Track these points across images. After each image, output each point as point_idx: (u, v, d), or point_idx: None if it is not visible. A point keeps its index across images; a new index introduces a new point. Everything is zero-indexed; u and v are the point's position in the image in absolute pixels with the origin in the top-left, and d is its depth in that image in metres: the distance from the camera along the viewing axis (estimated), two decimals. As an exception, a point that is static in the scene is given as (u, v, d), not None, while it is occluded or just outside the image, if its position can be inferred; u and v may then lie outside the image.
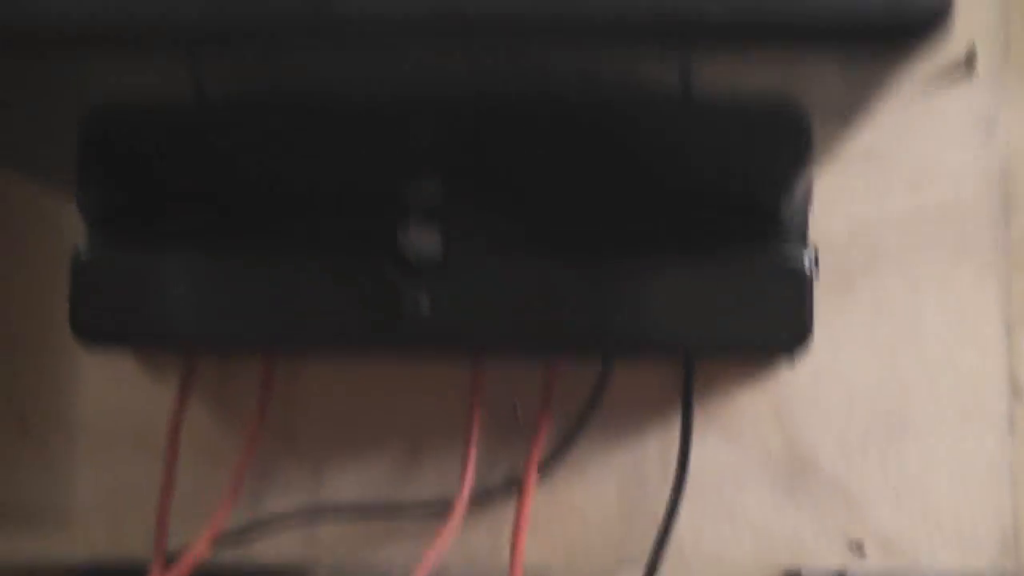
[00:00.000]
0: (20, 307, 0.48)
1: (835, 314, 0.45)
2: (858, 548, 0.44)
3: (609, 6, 0.24)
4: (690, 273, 0.39)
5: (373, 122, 0.34)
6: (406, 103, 0.33)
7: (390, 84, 0.32)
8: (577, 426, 0.44)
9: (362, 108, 0.34)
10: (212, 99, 0.33)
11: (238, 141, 0.36)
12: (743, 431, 0.45)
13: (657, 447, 0.45)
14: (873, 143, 0.45)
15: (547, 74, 0.30)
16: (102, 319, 0.41)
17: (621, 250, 0.40)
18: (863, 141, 0.45)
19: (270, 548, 0.46)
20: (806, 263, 0.39)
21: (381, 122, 0.34)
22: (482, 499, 0.45)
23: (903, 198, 0.45)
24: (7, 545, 0.47)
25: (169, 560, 0.44)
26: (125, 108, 0.33)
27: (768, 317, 0.39)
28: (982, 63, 0.45)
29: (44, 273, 0.48)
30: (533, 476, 0.42)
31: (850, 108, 0.30)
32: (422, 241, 0.39)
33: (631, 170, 0.38)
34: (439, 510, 0.45)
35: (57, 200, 0.48)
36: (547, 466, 0.44)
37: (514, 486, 0.45)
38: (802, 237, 0.40)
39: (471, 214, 0.39)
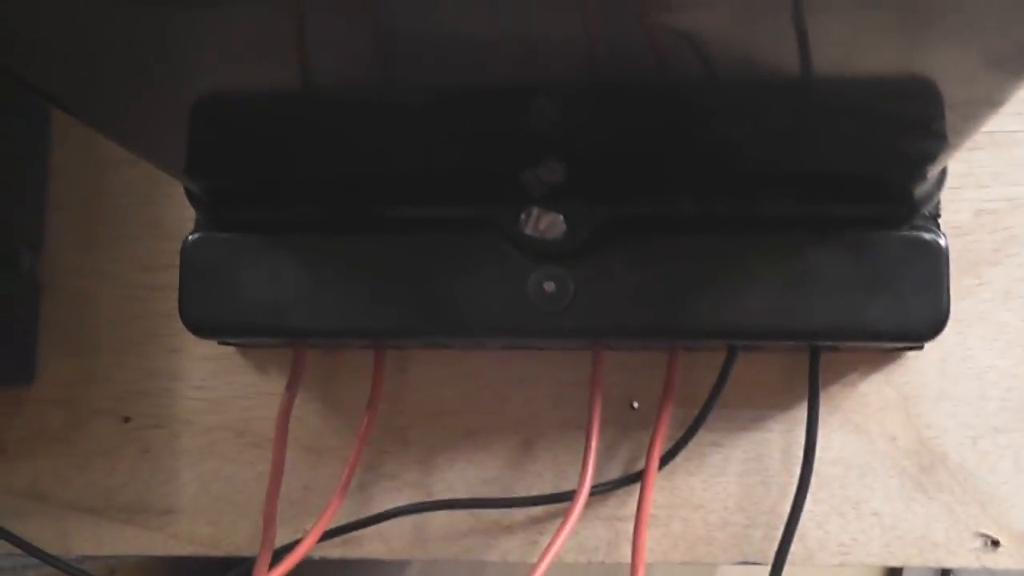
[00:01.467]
0: (121, 301, 0.48)
1: (963, 300, 0.43)
2: (992, 544, 0.42)
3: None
4: (820, 256, 0.38)
5: (493, 103, 0.33)
6: (528, 82, 0.32)
7: (511, 62, 0.31)
8: (699, 417, 0.43)
9: (481, 88, 0.33)
10: (325, 81, 0.32)
11: (352, 125, 0.35)
12: (869, 421, 0.43)
13: (781, 438, 0.44)
14: (999, 124, 0.44)
15: (668, 50, 0.29)
16: (211, 308, 0.40)
17: (749, 233, 0.38)
18: (988, 126, 0.44)
19: (379, 544, 0.45)
20: (942, 242, 0.38)
21: (502, 103, 0.33)
22: (600, 493, 0.44)
23: (1030, 181, 0.44)
24: (112, 541, 0.47)
25: (276, 557, 0.43)
26: (237, 91, 0.33)
27: (903, 301, 0.38)
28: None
29: (149, 265, 0.47)
30: (654, 469, 0.41)
31: (988, 99, 0.29)
32: (546, 226, 0.38)
33: (760, 150, 0.36)
34: (554, 504, 0.44)
35: (165, 190, 0.47)
36: (668, 458, 0.43)
37: (633, 479, 0.44)
38: (935, 219, 0.39)
39: (595, 198, 0.38)
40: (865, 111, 0.32)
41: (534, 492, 0.44)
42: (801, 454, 0.42)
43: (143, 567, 0.71)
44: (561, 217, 0.38)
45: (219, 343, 0.46)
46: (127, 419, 0.47)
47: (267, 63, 0.31)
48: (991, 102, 0.29)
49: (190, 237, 0.41)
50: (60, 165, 0.48)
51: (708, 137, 0.35)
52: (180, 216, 0.46)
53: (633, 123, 0.35)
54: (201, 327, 0.41)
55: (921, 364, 0.43)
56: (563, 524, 0.40)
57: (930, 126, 0.32)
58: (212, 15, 0.27)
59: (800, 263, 0.38)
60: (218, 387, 0.47)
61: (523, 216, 0.38)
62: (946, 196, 0.43)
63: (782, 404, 0.44)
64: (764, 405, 0.44)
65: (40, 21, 0.26)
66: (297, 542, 0.42)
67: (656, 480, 0.43)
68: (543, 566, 0.39)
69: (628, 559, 0.41)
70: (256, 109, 0.34)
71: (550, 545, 0.39)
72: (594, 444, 0.41)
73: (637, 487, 0.41)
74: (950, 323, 0.43)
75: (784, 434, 0.44)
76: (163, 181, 0.47)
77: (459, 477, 0.45)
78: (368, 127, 0.35)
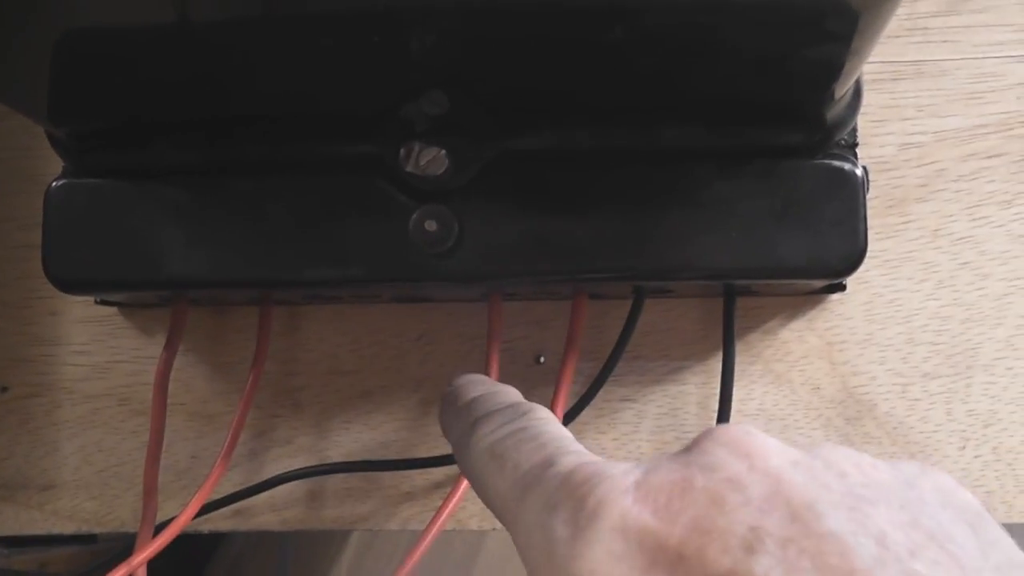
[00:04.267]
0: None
1: (888, 239, 0.40)
2: (923, 497, 0.39)
3: None
4: (727, 188, 0.35)
5: (368, 31, 0.30)
6: (403, 8, 0.29)
7: None
8: (605, 368, 0.40)
9: (356, 16, 0.30)
10: (193, 10, 0.29)
11: (221, 57, 0.32)
12: (791, 370, 0.40)
13: (697, 391, 0.41)
14: (924, 56, 0.41)
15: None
16: (79, 261, 0.37)
17: (651, 165, 0.35)
18: (912, 54, 0.41)
19: (271, 515, 0.42)
20: (858, 171, 0.35)
21: (377, 31, 0.31)
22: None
23: (960, 114, 0.41)
24: (-13, 519, 0.44)
25: (159, 529, 0.40)
26: (102, 27, 0.30)
27: (818, 234, 0.35)
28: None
29: (27, 223, 0.44)
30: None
31: None
32: (428, 162, 0.35)
33: (659, 75, 0.33)
34: (454, 466, 0.41)
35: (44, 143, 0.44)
36: (574, 414, 0.40)
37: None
38: (851, 148, 0.36)
39: (482, 130, 0.35)
40: (763, 16, 0.29)
41: (435, 454, 0.41)
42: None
43: (73, 559, 0.68)
44: (443, 152, 0.35)
45: (97, 302, 0.43)
46: (4, 388, 0.44)
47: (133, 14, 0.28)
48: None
49: (53, 184, 0.38)
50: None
51: (601, 61, 0.32)
52: (60, 170, 0.43)
53: (521, 48, 0.32)
54: (69, 282, 0.38)
55: (846, 308, 0.41)
56: (454, 488, 0.37)
57: (829, 25, 0.29)
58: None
59: (707, 196, 0.35)
60: (100, 352, 0.43)
61: (403, 152, 0.35)
62: (869, 130, 0.41)
63: (698, 354, 0.41)
64: (678, 356, 0.41)
65: None
66: (182, 515, 0.39)
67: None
68: (431, 533, 0.36)
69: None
70: (118, 43, 0.31)
71: (440, 510, 0.36)
72: (492, 399, 0.38)
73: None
74: (876, 264, 0.40)
75: (701, 386, 0.41)
76: (42, 133, 0.44)
77: (355, 440, 0.42)
78: (239, 59, 0.32)
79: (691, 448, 0.23)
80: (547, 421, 0.27)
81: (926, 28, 0.41)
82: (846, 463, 0.22)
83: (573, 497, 0.22)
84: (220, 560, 0.83)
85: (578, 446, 0.26)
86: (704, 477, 0.21)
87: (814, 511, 0.19)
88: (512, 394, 0.31)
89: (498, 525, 0.40)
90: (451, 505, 0.37)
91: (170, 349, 0.40)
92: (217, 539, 0.78)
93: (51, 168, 0.44)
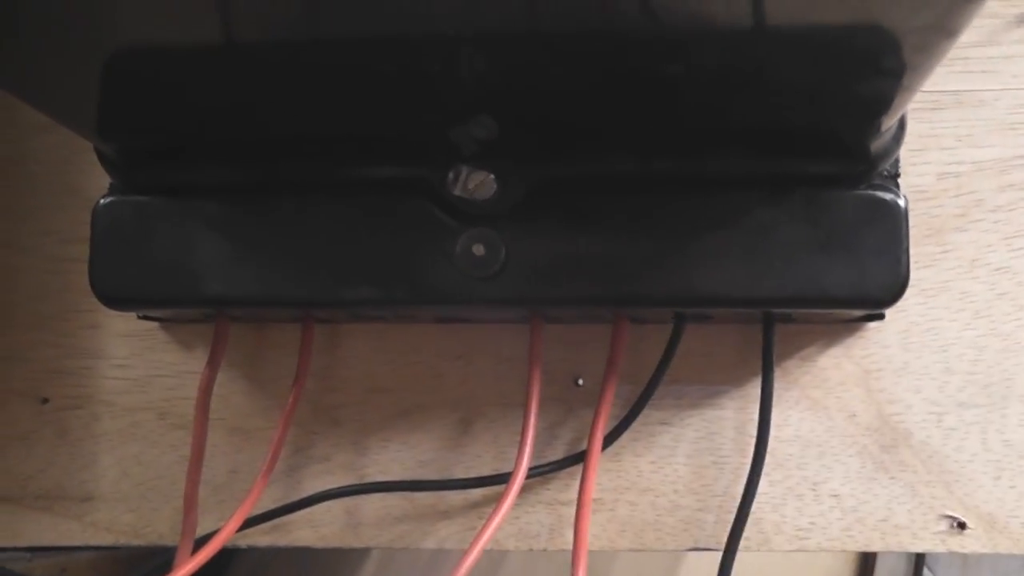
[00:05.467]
0: (40, 275, 0.45)
1: (926, 268, 0.41)
2: (959, 527, 0.40)
3: None
4: (771, 217, 0.35)
5: (417, 57, 0.31)
6: (454, 35, 0.30)
7: (439, 11, 0.28)
8: (645, 393, 0.40)
9: (406, 42, 0.30)
10: (244, 36, 0.30)
11: (271, 80, 0.33)
12: (828, 397, 0.41)
13: (734, 416, 0.41)
14: (964, 86, 0.41)
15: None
16: (125, 278, 0.38)
17: (695, 192, 0.36)
18: (953, 84, 0.41)
19: (309, 531, 0.42)
20: (902, 203, 0.35)
21: (426, 57, 0.31)
22: (541, 474, 0.41)
23: (999, 144, 0.41)
24: (29, 532, 0.44)
25: (199, 547, 0.40)
26: (152, 47, 0.30)
27: (860, 264, 0.35)
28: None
29: (69, 238, 0.44)
30: (597, 449, 0.38)
31: (941, 25, 0.27)
32: (476, 185, 0.35)
33: (704, 106, 0.34)
34: (493, 487, 0.41)
35: (87, 157, 0.45)
36: (613, 438, 0.40)
37: (576, 460, 0.41)
38: (894, 178, 0.37)
39: (529, 155, 0.35)
40: (813, 52, 0.29)
41: (472, 474, 0.41)
42: (755, 432, 0.39)
43: (94, 565, 0.69)
44: (492, 176, 0.35)
45: (139, 317, 0.43)
46: (45, 400, 0.44)
47: (182, 16, 0.29)
48: (943, 30, 0.27)
49: (101, 201, 0.38)
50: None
51: (650, 90, 0.33)
52: (102, 185, 0.43)
53: (570, 75, 0.32)
54: (114, 298, 0.39)
55: (883, 336, 0.41)
56: (496, 508, 0.37)
57: (881, 63, 0.29)
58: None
59: (750, 224, 0.35)
60: (140, 365, 0.44)
61: (451, 176, 0.35)
62: (909, 158, 0.41)
63: (736, 380, 0.41)
64: (717, 381, 0.41)
65: None
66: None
67: (601, 462, 0.41)
68: (474, 554, 0.36)
69: (571, 546, 0.38)
70: (171, 65, 0.32)
71: (482, 531, 0.37)
72: (532, 422, 0.38)
73: (581, 469, 0.39)
74: (913, 293, 0.40)
75: (738, 412, 0.41)
76: (85, 148, 0.44)
77: (393, 459, 0.42)
78: (289, 82, 0.33)
79: None
80: None
81: (967, 58, 0.41)
82: None
83: None
84: (241, 563, 0.83)
85: None
86: None
87: None
88: None
89: (534, 546, 0.41)
90: (492, 526, 0.37)
91: (212, 365, 0.41)
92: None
93: (92, 182, 0.44)
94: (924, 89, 0.41)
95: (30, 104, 0.35)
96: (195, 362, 0.43)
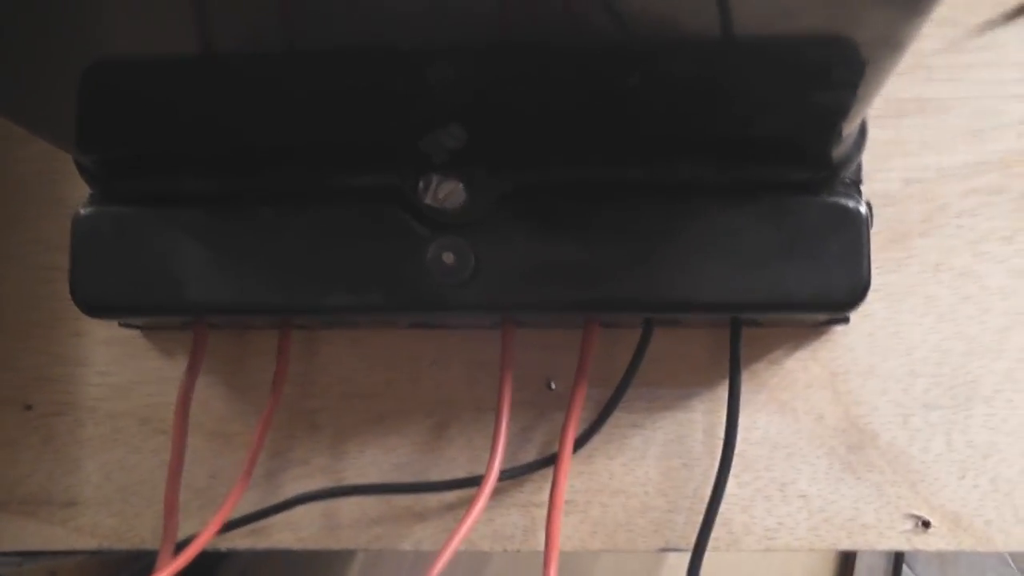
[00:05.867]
0: (25, 283, 0.46)
1: (891, 273, 0.41)
2: (923, 525, 0.40)
3: None
4: (736, 223, 0.36)
5: (388, 67, 0.32)
6: (424, 46, 0.30)
7: (406, 26, 0.29)
8: (615, 396, 0.41)
9: (376, 52, 0.31)
10: (217, 44, 0.30)
11: (244, 90, 0.33)
12: (796, 399, 0.42)
13: (703, 419, 0.42)
14: (928, 93, 0.42)
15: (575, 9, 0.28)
16: (105, 286, 0.39)
17: (661, 200, 0.37)
18: (917, 91, 0.42)
19: (288, 534, 0.43)
20: (863, 209, 0.36)
21: (396, 67, 0.32)
22: (514, 477, 0.42)
23: (962, 150, 0.42)
24: (14, 536, 0.45)
25: (179, 548, 0.41)
26: (129, 57, 0.31)
27: (822, 269, 0.36)
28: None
29: (53, 245, 0.45)
30: (568, 451, 0.39)
31: (899, 29, 0.27)
32: (446, 194, 0.36)
33: (669, 113, 0.34)
34: (467, 489, 0.42)
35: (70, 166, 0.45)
36: (584, 440, 0.41)
37: (548, 462, 0.42)
38: (856, 185, 0.37)
39: (498, 164, 0.36)
40: (771, 62, 0.30)
41: (447, 477, 0.42)
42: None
43: (82, 568, 0.69)
44: (461, 185, 0.36)
45: (120, 325, 0.44)
46: (29, 407, 0.45)
47: (159, 29, 0.29)
48: (892, 43, 0.28)
49: (81, 211, 0.39)
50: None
51: (617, 99, 0.33)
52: (86, 193, 0.44)
53: (538, 85, 0.33)
54: (95, 307, 0.39)
55: (849, 340, 0.42)
56: (469, 509, 0.38)
57: (836, 72, 0.30)
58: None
59: (714, 230, 0.36)
60: (123, 372, 0.45)
61: (422, 184, 0.36)
62: (873, 164, 0.42)
63: (705, 382, 0.42)
64: (686, 384, 0.42)
65: None
66: (201, 532, 0.40)
67: (573, 464, 0.41)
68: (447, 553, 0.37)
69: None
70: (147, 77, 0.32)
71: (455, 532, 0.37)
72: (504, 426, 0.39)
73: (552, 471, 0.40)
74: (879, 297, 0.41)
75: (707, 414, 0.42)
76: (67, 158, 0.45)
77: (371, 463, 0.43)
78: (261, 92, 0.33)
79: None
80: None
81: (930, 66, 0.42)
82: None
83: None
84: (229, 567, 0.84)
85: None
86: None
87: None
88: None
89: (508, 547, 0.42)
90: (465, 527, 0.38)
91: (192, 372, 0.41)
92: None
93: (76, 192, 0.45)
94: (889, 96, 0.42)
95: (5, 116, 0.36)
96: (176, 368, 0.44)
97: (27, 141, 0.46)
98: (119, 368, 0.45)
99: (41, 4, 0.27)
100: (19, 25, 0.28)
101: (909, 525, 0.41)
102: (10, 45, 0.29)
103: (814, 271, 0.36)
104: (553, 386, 0.43)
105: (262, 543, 0.43)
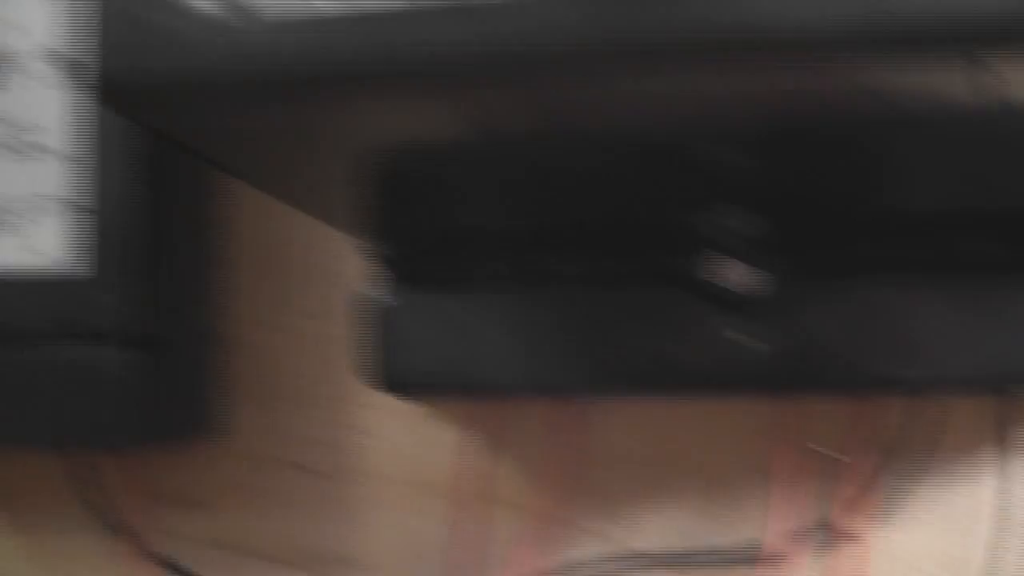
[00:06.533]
0: (302, 353, 0.48)
1: None
2: None
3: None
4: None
5: (672, 153, 0.33)
6: (707, 131, 0.32)
7: (700, 116, 0.30)
8: (888, 465, 0.41)
9: (666, 143, 0.32)
10: (501, 133, 0.32)
11: (532, 180, 0.35)
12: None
13: (979, 488, 0.42)
14: None
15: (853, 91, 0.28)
16: (410, 368, 0.41)
17: (944, 274, 0.38)
18: None
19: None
20: None
21: (681, 152, 0.33)
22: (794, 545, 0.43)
23: None
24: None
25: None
26: (408, 148, 0.32)
27: None
28: None
29: (316, 314, 0.48)
30: (858, 522, 0.40)
31: None
32: (736, 277, 0.37)
33: (947, 188, 0.35)
34: (746, 557, 0.43)
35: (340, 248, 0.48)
36: (861, 509, 0.42)
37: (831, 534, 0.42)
38: None
39: (785, 247, 0.38)
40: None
41: (727, 544, 0.43)
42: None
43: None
44: (749, 267, 0.37)
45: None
46: (309, 470, 0.48)
47: (446, 120, 0.30)
48: None
49: (383, 296, 0.42)
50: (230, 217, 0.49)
51: (891, 175, 0.34)
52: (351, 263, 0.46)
53: (812, 165, 0.34)
54: (401, 388, 0.42)
55: None
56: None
57: None
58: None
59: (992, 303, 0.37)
60: (398, 437, 0.47)
61: (712, 267, 0.38)
62: None
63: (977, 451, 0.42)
64: (980, 453, 0.42)
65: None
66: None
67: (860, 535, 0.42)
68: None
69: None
70: (436, 173, 0.34)
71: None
72: (782, 497, 0.40)
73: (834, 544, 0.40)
74: None
75: (982, 484, 0.42)
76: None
77: (646, 529, 0.44)
78: (548, 182, 0.35)
79: None
80: None
81: None
82: None
83: None
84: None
85: None
86: None
87: None
88: None
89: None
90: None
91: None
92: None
93: (341, 265, 0.47)
94: None
95: (302, 211, 0.38)
96: (449, 432, 0.46)
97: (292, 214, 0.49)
98: (396, 433, 0.47)
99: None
100: (296, 127, 0.29)
101: None
102: (292, 146, 0.31)
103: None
104: (839, 457, 0.43)
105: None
